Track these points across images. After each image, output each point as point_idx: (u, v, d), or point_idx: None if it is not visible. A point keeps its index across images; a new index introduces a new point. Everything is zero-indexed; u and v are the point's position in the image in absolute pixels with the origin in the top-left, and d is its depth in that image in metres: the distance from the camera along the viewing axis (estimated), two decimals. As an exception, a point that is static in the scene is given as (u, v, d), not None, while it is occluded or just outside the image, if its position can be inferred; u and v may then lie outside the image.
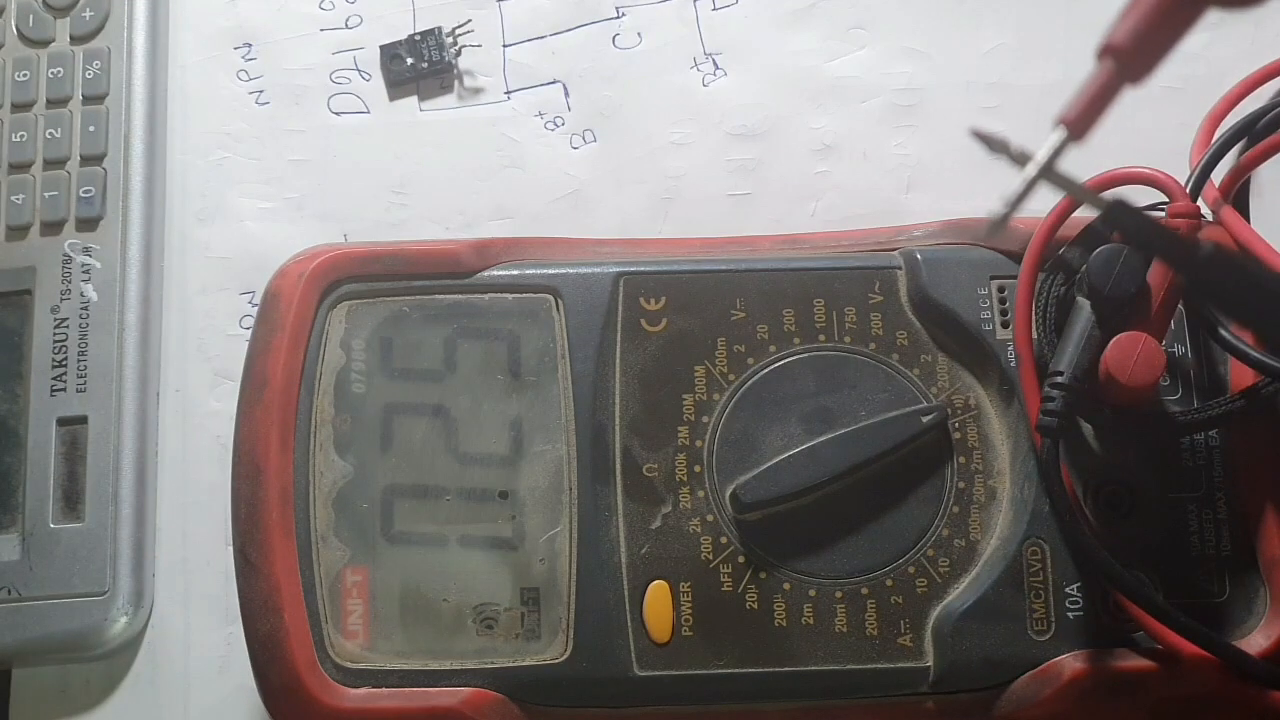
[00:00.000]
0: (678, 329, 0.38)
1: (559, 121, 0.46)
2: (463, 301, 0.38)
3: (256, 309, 0.38)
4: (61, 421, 0.42)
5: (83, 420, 0.42)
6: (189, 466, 0.44)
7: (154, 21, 0.46)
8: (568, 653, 0.36)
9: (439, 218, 0.45)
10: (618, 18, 0.47)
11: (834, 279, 0.38)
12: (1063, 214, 0.37)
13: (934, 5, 0.46)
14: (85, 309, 0.43)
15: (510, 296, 0.38)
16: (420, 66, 0.46)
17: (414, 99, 0.46)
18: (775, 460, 0.37)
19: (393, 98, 0.46)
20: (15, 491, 0.42)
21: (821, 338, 0.38)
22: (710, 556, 0.37)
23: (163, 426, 0.44)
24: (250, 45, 0.47)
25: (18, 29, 0.45)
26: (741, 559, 0.37)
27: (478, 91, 0.46)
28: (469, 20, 0.46)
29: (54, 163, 0.44)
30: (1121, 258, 0.36)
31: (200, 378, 0.44)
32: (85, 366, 0.43)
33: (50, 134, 0.44)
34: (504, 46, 0.47)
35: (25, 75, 0.45)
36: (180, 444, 0.44)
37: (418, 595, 0.37)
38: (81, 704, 0.42)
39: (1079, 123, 0.31)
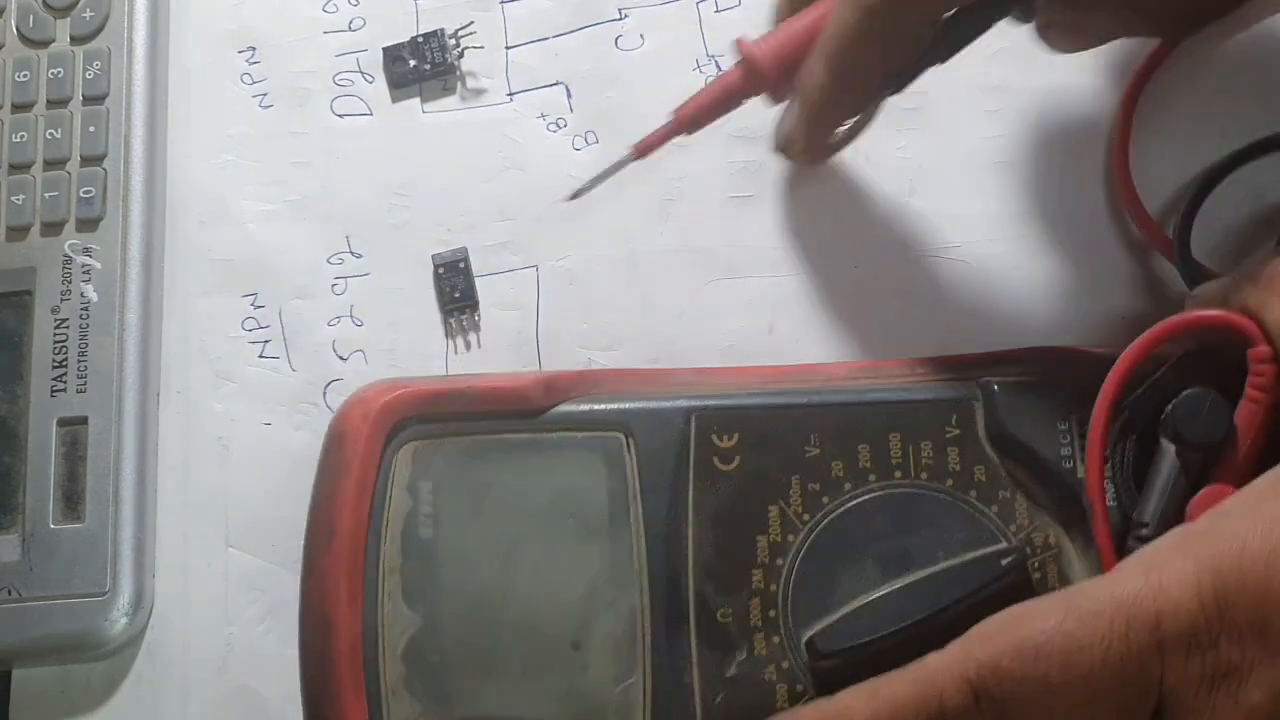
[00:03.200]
0: (751, 467, 0.37)
1: (561, 123, 0.46)
2: (531, 440, 0.37)
3: (322, 450, 0.37)
4: (62, 422, 0.42)
5: (83, 421, 0.42)
6: (190, 468, 0.44)
7: (154, 22, 0.46)
8: None
9: (441, 220, 0.45)
10: (620, 19, 0.47)
11: (909, 412, 0.37)
12: (1144, 350, 0.36)
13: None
14: (85, 310, 0.43)
15: (580, 435, 0.37)
16: (423, 68, 0.46)
17: (416, 101, 0.46)
18: (852, 606, 0.36)
19: (395, 100, 0.46)
20: (15, 492, 0.42)
21: (898, 474, 0.37)
22: (786, 704, 0.36)
23: (163, 428, 0.44)
24: (254, 49, 0.47)
25: (18, 29, 0.45)
26: None
27: (480, 93, 0.46)
28: (471, 22, 0.46)
29: (54, 163, 0.44)
30: (1208, 403, 0.35)
31: (202, 379, 0.44)
32: (85, 367, 0.43)
33: (50, 134, 0.44)
34: (506, 48, 0.47)
35: (25, 75, 0.45)
36: (181, 445, 0.44)
37: None
38: (81, 704, 0.42)
39: (688, 120, 0.40)
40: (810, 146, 0.42)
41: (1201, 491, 0.35)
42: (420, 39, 0.46)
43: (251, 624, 0.42)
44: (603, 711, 0.36)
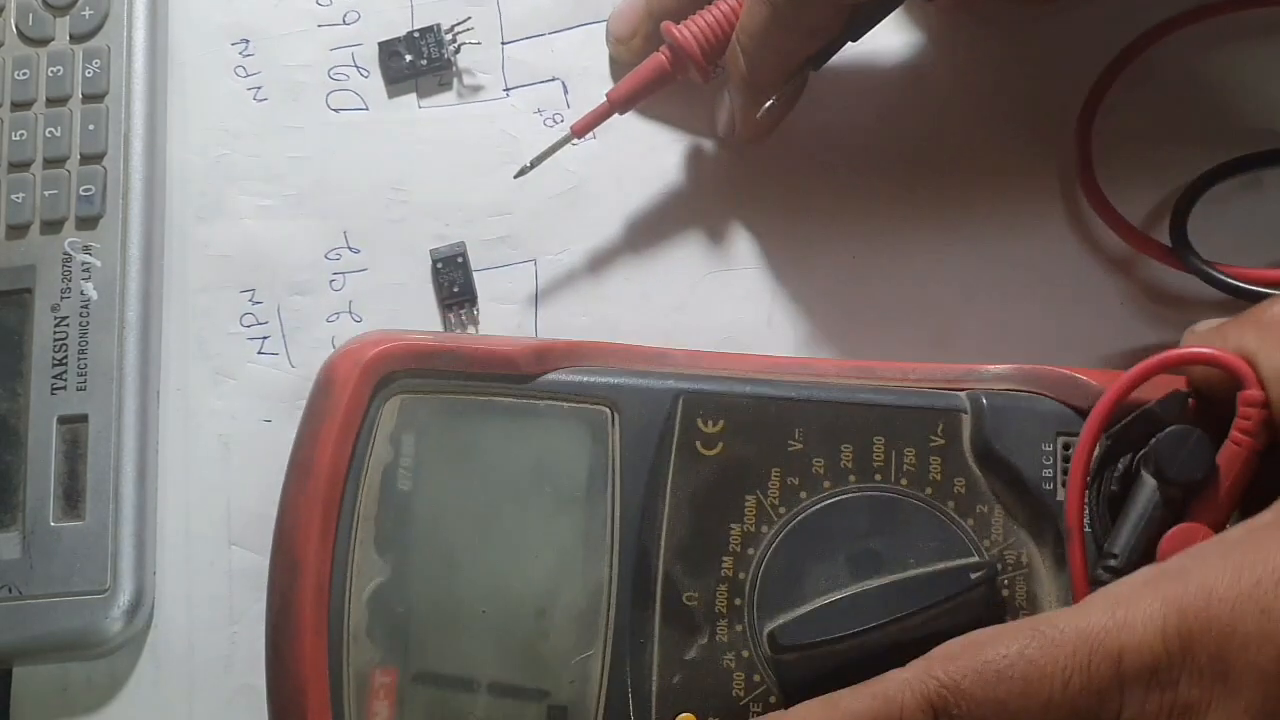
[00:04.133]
0: (733, 454, 0.37)
1: (558, 118, 0.46)
2: (517, 405, 0.37)
3: (310, 393, 0.38)
4: (62, 420, 0.42)
5: (83, 418, 0.42)
6: (191, 466, 0.44)
7: (153, 20, 0.46)
8: None
9: (439, 215, 0.45)
10: (616, 15, 0.47)
11: (897, 417, 0.37)
12: (1135, 381, 0.35)
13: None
14: (85, 307, 0.43)
15: (567, 405, 0.37)
16: (419, 63, 0.46)
17: (413, 96, 0.46)
18: (817, 603, 0.36)
19: (391, 95, 0.46)
20: (16, 490, 0.42)
21: (877, 477, 0.37)
22: (741, 694, 0.36)
23: (164, 425, 0.44)
24: (248, 41, 0.47)
25: (17, 28, 0.45)
26: (773, 699, 0.36)
27: (477, 89, 0.46)
28: (468, 17, 0.46)
29: (54, 161, 0.44)
30: (1192, 440, 0.35)
31: (201, 376, 0.44)
32: (85, 365, 0.43)
33: (50, 133, 0.44)
34: (503, 44, 0.47)
35: (25, 74, 0.45)
36: (182, 443, 0.44)
37: (445, 704, 0.36)
38: (83, 703, 0.42)
39: (620, 100, 0.43)
40: (744, 127, 0.43)
41: (1175, 529, 0.34)
42: (416, 34, 0.46)
43: (255, 622, 0.42)
44: (558, 681, 0.36)
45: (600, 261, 0.45)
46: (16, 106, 0.45)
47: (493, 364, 0.37)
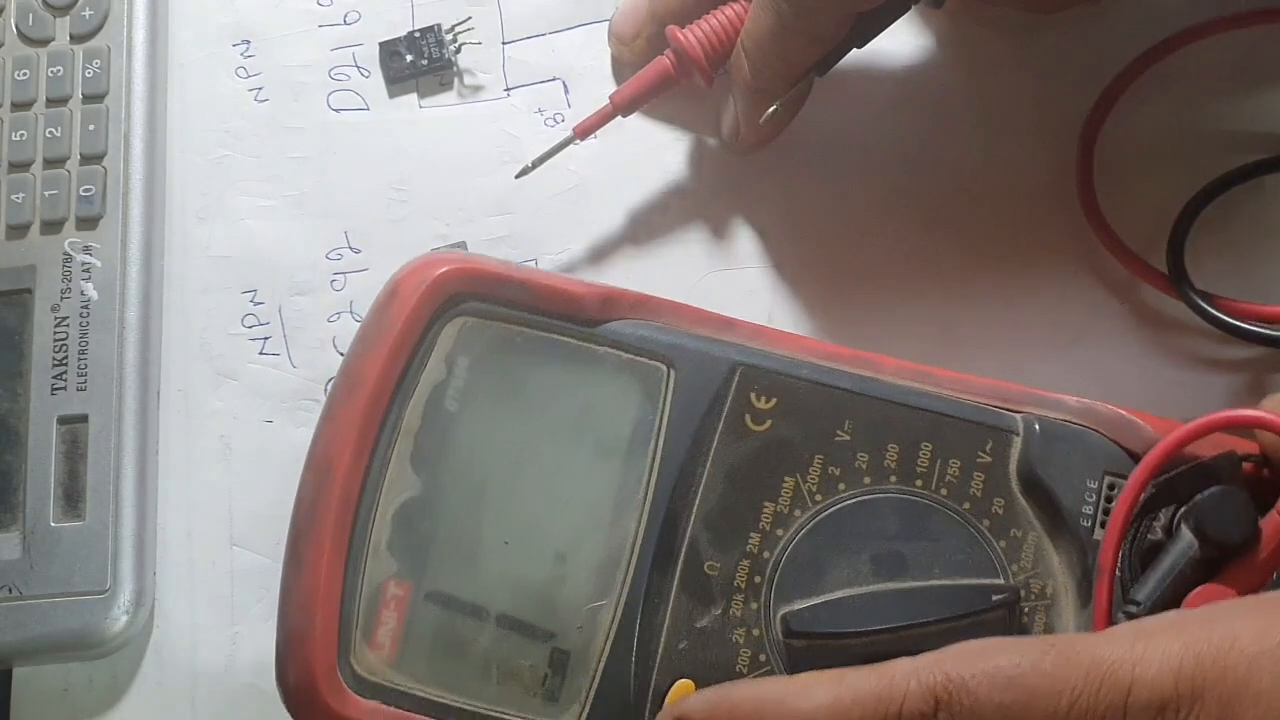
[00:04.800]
0: (780, 434, 0.37)
1: (559, 118, 0.46)
2: (577, 349, 0.37)
3: (372, 303, 0.37)
4: (62, 420, 0.42)
5: (83, 419, 0.42)
6: (192, 467, 0.44)
7: (153, 20, 0.46)
8: None
9: (440, 214, 0.45)
10: (617, 14, 0.47)
11: (948, 426, 0.37)
12: (1194, 434, 0.35)
13: None
14: (85, 308, 0.43)
15: (625, 356, 0.37)
16: (420, 63, 0.46)
17: (413, 96, 0.46)
18: (835, 595, 0.36)
19: (392, 95, 0.46)
20: (16, 490, 0.42)
21: (918, 483, 0.37)
22: (744, 670, 0.36)
23: (164, 426, 0.44)
24: (249, 42, 0.47)
25: (17, 28, 0.45)
26: None
27: (478, 89, 0.46)
28: (469, 17, 0.46)
29: (54, 162, 0.44)
30: (1238, 502, 0.34)
31: (202, 377, 0.44)
32: (86, 365, 0.43)
33: (50, 133, 0.44)
34: (503, 43, 0.47)
35: (25, 74, 0.45)
36: (183, 444, 0.44)
37: (452, 626, 0.36)
38: (86, 705, 0.42)
39: (624, 103, 0.43)
40: (748, 133, 0.43)
41: (1203, 587, 0.34)
42: (417, 34, 0.46)
43: (257, 622, 0.42)
44: (567, 625, 0.36)
45: (601, 261, 0.45)
46: (16, 106, 0.45)
47: (559, 303, 0.37)
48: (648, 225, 0.45)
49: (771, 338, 0.38)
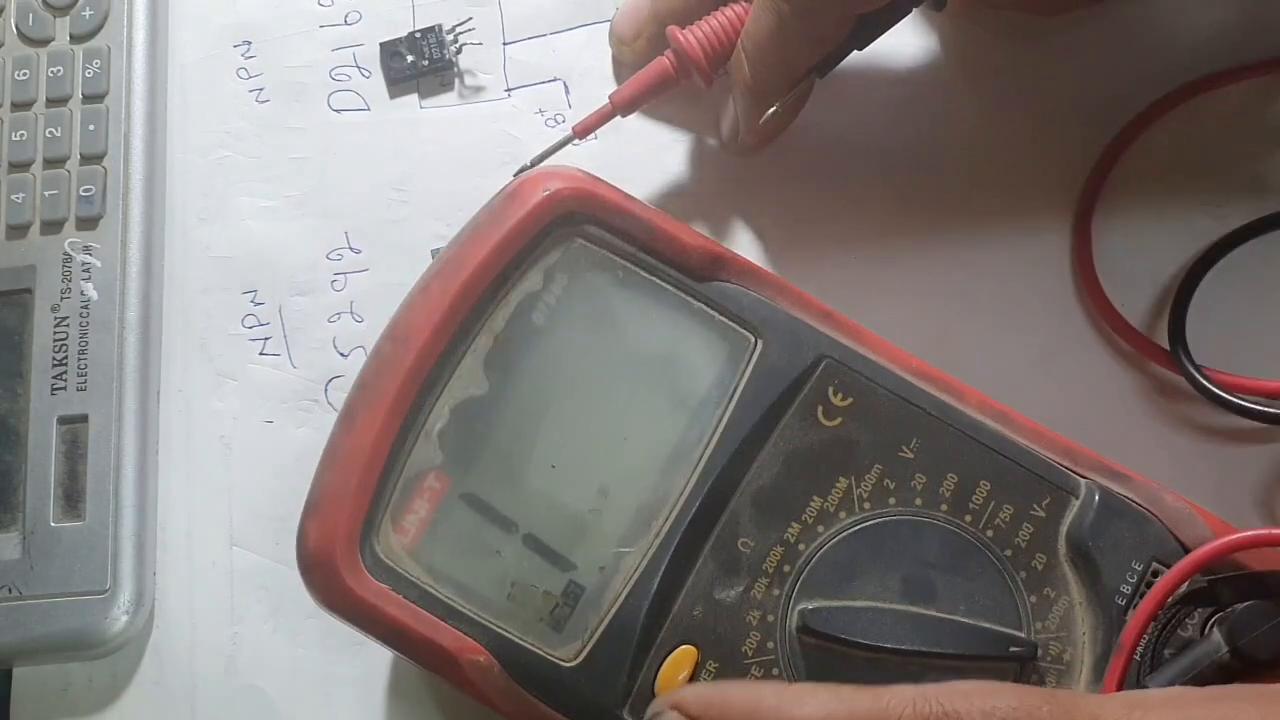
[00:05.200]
0: (846, 434, 0.37)
1: (560, 119, 0.46)
2: (675, 298, 0.37)
3: (493, 198, 0.37)
4: (62, 420, 0.42)
5: (83, 419, 0.42)
6: (192, 467, 0.44)
7: (154, 20, 0.46)
8: (577, 661, 0.35)
9: (440, 215, 0.45)
10: (618, 15, 0.47)
11: (1011, 472, 0.37)
12: (1246, 543, 0.35)
13: None
14: (86, 308, 0.43)
15: (719, 317, 0.37)
16: (420, 64, 0.46)
17: (414, 96, 0.46)
18: (858, 604, 0.36)
19: (393, 95, 0.46)
20: (16, 490, 0.42)
21: (968, 518, 0.37)
22: (749, 653, 0.36)
23: (165, 426, 0.44)
24: (250, 43, 0.47)
25: (17, 28, 0.46)
26: (776, 671, 0.36)
27: (478, 89, 0.46)
28: (469, 18, 0.46)
29: (54, 162, 0.44)
30: (1272, 623, 0.34)
31: (202, 377, 0.44)
32: (86, 365, 0.43)
33: (50, 133, 0.45)
34: (504, 44, 0.47)
35: (25, 74, 0.45)
36: (183, 444, 0.44)
37: (479, 532, 0.36)
38: (84, 704, 0.42)
39: (623, 103, 0.43)
40: (748, 134, 0.43)
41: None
42: (418, 34, 0.46)
43: (257, 622, 0.42)
44: (590, 561, 0.36)
45: (602, 262, 0.45)
46: (16, 106, 0.45)
47: (671, 249, 0.37)
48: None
49: (867, 339, 0.38)
